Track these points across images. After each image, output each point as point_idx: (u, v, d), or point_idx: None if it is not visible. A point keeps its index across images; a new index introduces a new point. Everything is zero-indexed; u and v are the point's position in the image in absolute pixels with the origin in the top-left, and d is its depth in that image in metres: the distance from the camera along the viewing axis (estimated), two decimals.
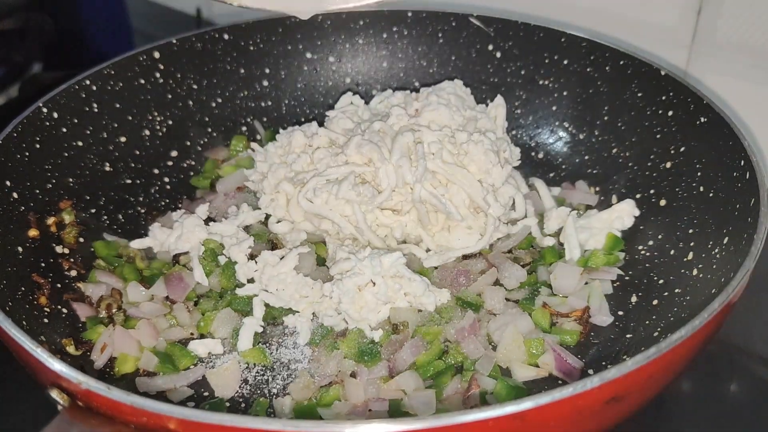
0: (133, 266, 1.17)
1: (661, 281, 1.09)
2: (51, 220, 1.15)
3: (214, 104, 1.43)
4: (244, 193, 1.31)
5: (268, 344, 1.07)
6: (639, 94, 1.25)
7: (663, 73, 1.21)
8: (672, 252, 1.11)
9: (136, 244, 1.21)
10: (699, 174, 1.13)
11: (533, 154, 1.40)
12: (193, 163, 1.40)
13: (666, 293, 1.07)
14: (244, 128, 1.46)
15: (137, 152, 1.33)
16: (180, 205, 1.32)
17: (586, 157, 1.34)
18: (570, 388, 0.70)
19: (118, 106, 1.31)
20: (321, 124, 1.35)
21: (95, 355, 1.04)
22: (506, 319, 1.06)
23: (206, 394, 1.01)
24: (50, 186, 1.17)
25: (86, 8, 1.86)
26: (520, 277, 1.13)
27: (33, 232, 1.11)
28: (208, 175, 1.38)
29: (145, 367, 1.03)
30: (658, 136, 1.22)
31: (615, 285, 1.13)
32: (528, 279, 1.14)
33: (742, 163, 1.02)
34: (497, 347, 1.04)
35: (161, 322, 1.09)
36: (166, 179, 1.36)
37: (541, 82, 1.39)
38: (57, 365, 0.77)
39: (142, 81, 1.34)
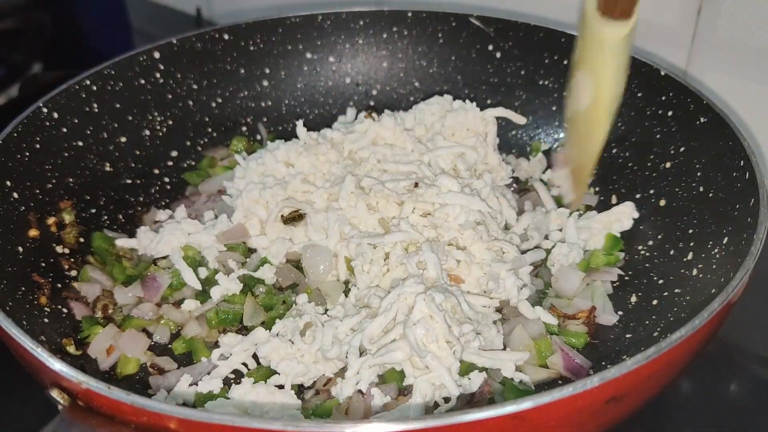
0: (122, 266, 1.17)
1: (660, 281, 1.09)
2: (51, 220, 1.15)
3: (214, 104, 1.43)
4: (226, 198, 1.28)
5: None
6: (639, 94, 1.25)
7: (663, 73, 1.21)
8: (672, 252, 1.11)
9: (122, 242, 1.20)
10: (699, 174, 1.13)
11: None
12: (193, 163, 1.40)
13: (666, 293, 1.07)
14: (244, 128, 1.46)
15: (137, 152, 1.33)
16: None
17: None
18: (570, 388, 0.70)
19: (118, 106, 1.31)
20: (321, 125, 1.35)
21: (100, 357, 1.03)
22: (515, 321, 1.05)
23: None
24: (50, 186, 1.17)
25: (86, 8, 1.86)
26: (538, 284, 1.12)
27: (33, 232, 1.11)
28: (202, 172, 1.37)
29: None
30: (658, 136, 1.22)
31: (615, 285, 1.13)
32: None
33: (742, 163, 1.02)
34: (507, 349, 1.03)
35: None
36: (166, 179, 1.36)
37: (541, 82, 1.39)
38: (57, 365, 0.77)
39: (142, 81, 1.34)
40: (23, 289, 1.03)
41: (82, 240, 1.18)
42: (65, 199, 1.18)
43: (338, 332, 1.02)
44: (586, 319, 1.07)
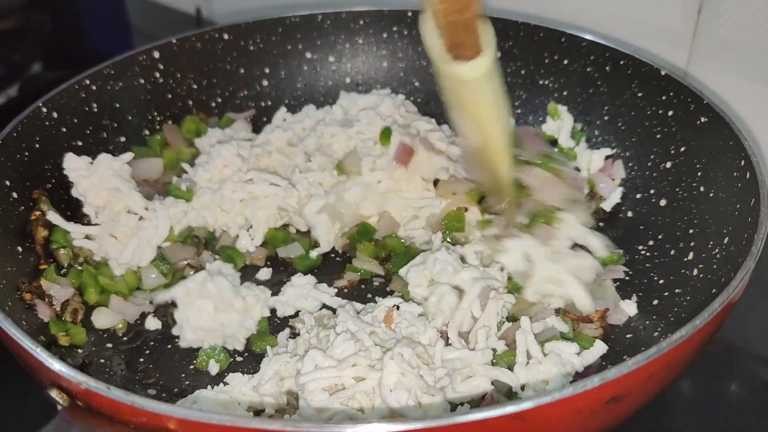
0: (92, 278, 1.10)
1: (661, 281, 1.09)
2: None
3: (213, 104, 1.43)
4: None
5: None
6: (639, 94, 1.25)
7: (663, 73, 1.21)
8: (672, 252, 1.11)
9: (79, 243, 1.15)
10: (699, 174, 1.13)
11: None
12: None
13: (666, 293, 1.07)
14: None
15: None
16: None
17: None
18: (570, 388, 0.70)
19: (117, 106, 1.31)
20: None
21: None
22: (513, 326, 1.04)
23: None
24: (50, 186, 1.17)
25: (86, 8, 1.86)
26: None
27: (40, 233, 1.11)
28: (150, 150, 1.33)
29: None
30: (658, 136, 1.22)
31: (615, 285, 1.13)
32: None
33: (742, 163, 1.02)
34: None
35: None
36: None
37: (541, 82, 1.39)
38: (57, 365, 0.77)
39: (142, 81, 1.34)
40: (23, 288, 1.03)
41: None
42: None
43: (282, 370, 0.92)
44: (600, 320, 1.05)
